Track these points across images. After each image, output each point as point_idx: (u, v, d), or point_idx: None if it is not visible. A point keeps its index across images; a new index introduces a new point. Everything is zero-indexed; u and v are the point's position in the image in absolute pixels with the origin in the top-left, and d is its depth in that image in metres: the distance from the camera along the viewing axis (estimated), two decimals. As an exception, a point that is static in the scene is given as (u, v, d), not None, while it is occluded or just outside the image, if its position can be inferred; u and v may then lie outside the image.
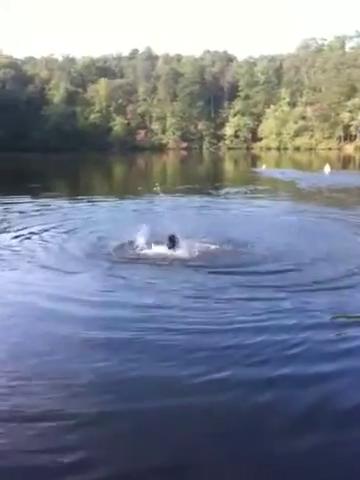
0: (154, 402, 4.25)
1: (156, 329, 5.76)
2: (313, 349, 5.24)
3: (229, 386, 4.48)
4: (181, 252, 9.06)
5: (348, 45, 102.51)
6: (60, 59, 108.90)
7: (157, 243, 9.26)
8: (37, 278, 7.99)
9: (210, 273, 8.09)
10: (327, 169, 32.80)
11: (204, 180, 31.74)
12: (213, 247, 9.58)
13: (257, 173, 35.35)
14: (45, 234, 11.50)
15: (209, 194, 21.93)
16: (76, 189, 26.64)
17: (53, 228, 12.26)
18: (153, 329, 5.75)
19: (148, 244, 9.30)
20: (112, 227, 12.29)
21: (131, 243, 9.58)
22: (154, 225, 9.70)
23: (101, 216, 15.04)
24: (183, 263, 8.62)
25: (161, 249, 9.14)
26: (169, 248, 9.09)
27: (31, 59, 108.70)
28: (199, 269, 8.30)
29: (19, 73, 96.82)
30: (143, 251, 9.19)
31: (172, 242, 9.09)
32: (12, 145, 70.99)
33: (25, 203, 17.73)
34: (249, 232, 11.39)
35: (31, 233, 11.66)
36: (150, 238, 9.37)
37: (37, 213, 15.32)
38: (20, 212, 15.51)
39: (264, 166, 39.45)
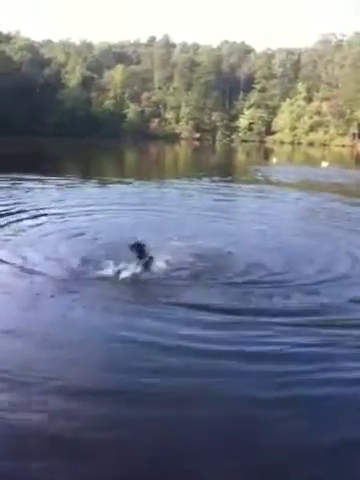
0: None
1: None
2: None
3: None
4: (155, 269, 7.67)
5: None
6: (77, 43, 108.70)
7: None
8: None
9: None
10: (324, 164, 35.80)
11: (215, 171, 31.83)
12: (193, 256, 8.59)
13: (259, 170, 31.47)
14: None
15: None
16: (86, 174, 27.00)
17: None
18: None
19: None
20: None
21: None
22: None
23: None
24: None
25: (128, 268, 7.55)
26: (141, 261, 7.56)
27: (48, 42, 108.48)
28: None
29: (36, 56, 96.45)
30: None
31: (138, 251, 7.54)
32: (27, 129, 70.84)
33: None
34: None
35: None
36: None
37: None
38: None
39: (275, 160, 39.46)
